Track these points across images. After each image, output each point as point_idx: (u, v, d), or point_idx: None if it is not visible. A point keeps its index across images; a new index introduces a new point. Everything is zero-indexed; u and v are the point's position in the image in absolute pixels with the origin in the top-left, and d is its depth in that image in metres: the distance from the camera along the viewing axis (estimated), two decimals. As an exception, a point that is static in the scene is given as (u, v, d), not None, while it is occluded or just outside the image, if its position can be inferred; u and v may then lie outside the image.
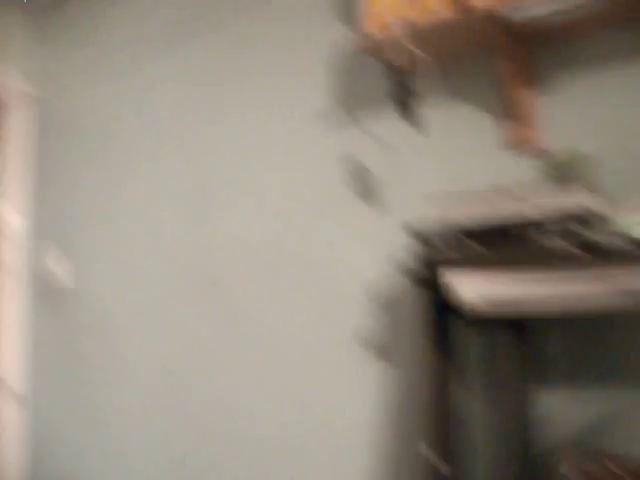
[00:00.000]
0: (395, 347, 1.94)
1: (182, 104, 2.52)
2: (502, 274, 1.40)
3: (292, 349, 2.15)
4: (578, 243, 1.40)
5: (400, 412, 1.90)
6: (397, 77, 1.89)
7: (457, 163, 1.89)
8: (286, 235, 2.21)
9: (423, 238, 1.58)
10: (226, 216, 2.35)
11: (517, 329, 1.74)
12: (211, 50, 2.45)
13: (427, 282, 1.57)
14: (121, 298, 2.62)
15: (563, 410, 1.69)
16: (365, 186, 2.05)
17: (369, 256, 2.03)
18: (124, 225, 2.64)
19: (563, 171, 1.61)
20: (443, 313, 1.61)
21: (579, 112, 1.75)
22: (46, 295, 2.90)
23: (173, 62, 2.55)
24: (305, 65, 2.21)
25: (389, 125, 2.02)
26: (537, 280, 1.37)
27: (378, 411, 1.94)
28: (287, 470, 2.11)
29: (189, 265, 2.42)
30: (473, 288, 1.42)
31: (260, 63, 2.32)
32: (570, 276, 1.33)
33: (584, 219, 1.44)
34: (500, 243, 1.49)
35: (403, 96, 1.87)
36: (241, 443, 2.21)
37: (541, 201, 1.49)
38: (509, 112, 1.83)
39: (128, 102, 2.69)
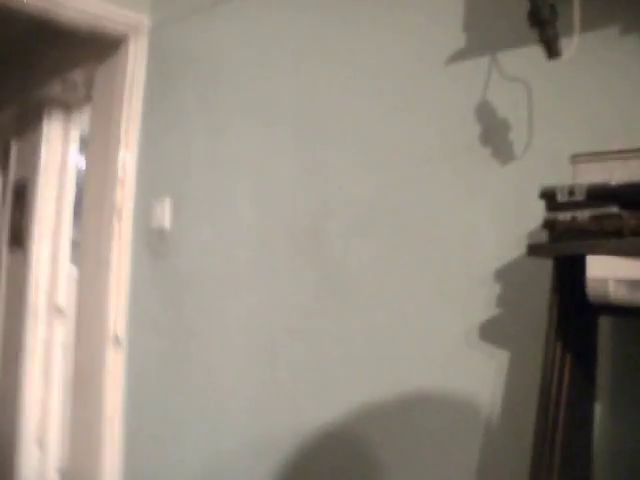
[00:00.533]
0: (521, 340, 1.81)
1: (300, 47, 2.47)
2: None
3: (397, 328, 2.08)
4: None
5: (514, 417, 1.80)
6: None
7: (614, 112, 1.68)
8: (399, 193, 2.12)
9: (562, 206, 1.44)
10: (335, 165, 2.30)
11: None
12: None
13: (560, 264, 1.47)
14: (219, 247, 2.66)
15: None
16: (498, 141, 1.90)
17: (495, 225, 1.90)
18: (229, 170, 2.66)
19: None
20: (583, 312, 1.49)
21: None
22: (150, 240, 2.99)
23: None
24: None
25: (529, 65, 1.83)
26: None
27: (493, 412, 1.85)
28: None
29: (291, 217, 2.41)
30: (614, 269, 1.30)
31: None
32: None
33: None
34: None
35: (548, 25, 1.60)
36: (335, 414, 2.21)
37: None
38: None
39: (245, 42, 2.67)
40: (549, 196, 1.49)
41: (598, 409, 1.63)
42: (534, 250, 1.49)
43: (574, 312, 1.51)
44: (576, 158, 1.51)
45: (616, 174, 1.42)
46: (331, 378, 2.24)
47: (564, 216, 1.46)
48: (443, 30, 2.05)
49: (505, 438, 1.82)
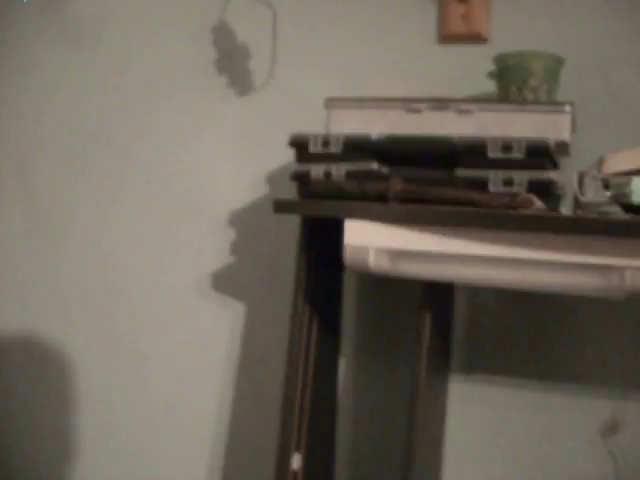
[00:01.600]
0: (258, 290, 1.67)
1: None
2: (420, 225, 1.12)
3: (119, 273, 1.81)
4: (542, 194, 1.14)
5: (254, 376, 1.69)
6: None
7: (382, 54, 1.55)
8: (122, 121, 1.80)
9: (311, 157, 1.27)
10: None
11: (438, 299, 1.36)
12: None
13: (310, 221, 1.31)
14: None
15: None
16: (239, 68, 1.67)
17: (231, 164, 1.69)
18: None
19: (527, 79, 1.26)
20: (328, 267, 1.37)
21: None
22: None
23: None
24: None
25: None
26: (473, 238, 1.10)
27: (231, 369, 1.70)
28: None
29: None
30: (375, 237, 1.15)
31: None
32: (524, 241, 1.07)
33: (551, 159, 1.18)
34: (423, 176, 1.21)
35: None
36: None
37: (494, 122, 1.21)
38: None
39: None
40: (300, 145, 1.30)
41: (342, 362, 1.57)
42: (281, 207, 1.29)
43: (321, 268, 1.38)
44: (331, 102, 1.34)
45: (375, 125, 1.29)
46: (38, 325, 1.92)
47: (317, 170, 1.29)
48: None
49: (244, 386, 1.70)
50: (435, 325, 1.26)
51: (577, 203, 1.13)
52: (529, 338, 1.46)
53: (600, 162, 1.13)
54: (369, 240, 1.17)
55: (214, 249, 1.71)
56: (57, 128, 1.87)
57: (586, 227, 1.05)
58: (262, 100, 1.66)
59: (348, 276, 1.51)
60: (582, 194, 1.12)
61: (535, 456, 1.47)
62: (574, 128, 1.28)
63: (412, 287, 1.33)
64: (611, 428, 1.41)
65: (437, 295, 1.29)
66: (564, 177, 1.23)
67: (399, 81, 1.49)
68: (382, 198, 1.17)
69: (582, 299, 1.34)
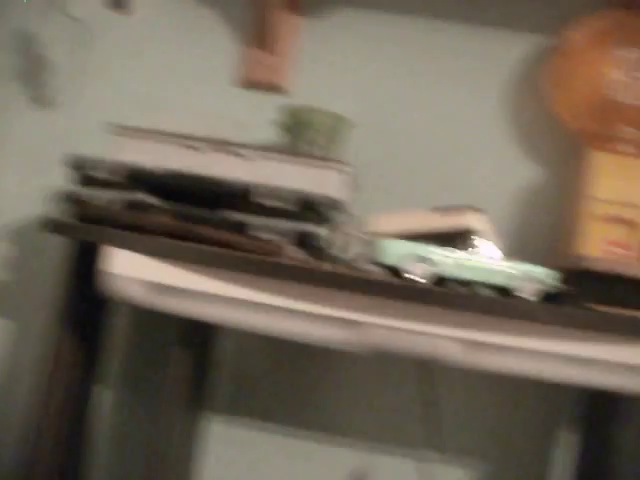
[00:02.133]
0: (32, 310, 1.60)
1: None
2: (183, 261, 1.12)
3: None
4: (310, 248, 1.18)
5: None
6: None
7: (181, 91, 1.57)
8: None
9: (93, 181, 1.25)
10: None
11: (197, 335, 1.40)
12: None
13: (78, 245, 1.28)
14: None
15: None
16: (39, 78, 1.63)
17: (16, 175, 1.64)
18: None
19: (309, 134, 1.32)
20: (87, 295, 1.29)
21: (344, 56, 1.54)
22: None
23: None
24: None
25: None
26: (232, 281, 1.12)
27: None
28: None
29: None
30: (139, 269, 1.14)
31: None
32: (278, 288, 1.09)
33: (318, 213, 1.21)
34: (195, 215, 1.21)
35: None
36: None
37: (269, 170, 1.24)
38: (257, 35, 1.52)
39: None
40: (79, 167, 1.28)
41: (109, 394, 1.54)
42: (53, 227, 1.25)
43: (86, 294, 1.32)
44: (118, 130, 1.33)
45: (158, 158, 1.28)
46: None
47: (93, 195, 1.26)
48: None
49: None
50: (191, 363, 1.26)
51: (335, 258, 1.18)
52: (291, 385, 1.50)
53: (359, 222, 1.19)
54: (132, 271, 1.16)
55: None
56: None
57: (337, 281, 1.09)
58: (57, 117, 1.62)
59: (118, 307, 1.48)
60: (342, 251, 1.18)
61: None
62: (355, 188, 1.35)
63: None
64: (359, 478, 1.47)
65: (197, 333, 1.29)
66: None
67: (194, 120, 1.50)
68: (150, 230, 1.17)
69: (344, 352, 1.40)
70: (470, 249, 1.14)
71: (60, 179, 1.52)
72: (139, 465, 1.50)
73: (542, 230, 1.46)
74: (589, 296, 1.18)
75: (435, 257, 1.12)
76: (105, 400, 1.53)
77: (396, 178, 1.49)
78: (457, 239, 1.16)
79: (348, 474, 1.47)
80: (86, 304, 1.35)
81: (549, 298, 1.17)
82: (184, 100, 1.56)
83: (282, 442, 1.49)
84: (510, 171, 1.49)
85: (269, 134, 1.44)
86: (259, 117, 1.48)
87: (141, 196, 1.24)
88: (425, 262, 1.11)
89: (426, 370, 1.44)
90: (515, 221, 1.48)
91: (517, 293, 1.12)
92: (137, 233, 1.17)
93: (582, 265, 1.18)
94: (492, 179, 1.49)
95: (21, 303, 1.61)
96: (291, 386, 1.50)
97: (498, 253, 1.16)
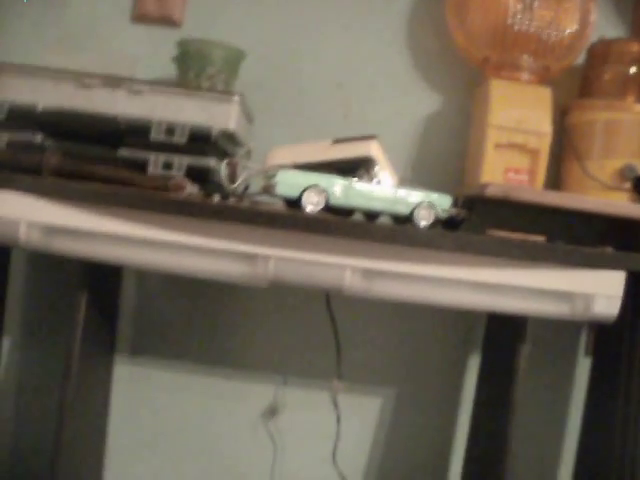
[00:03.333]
0: None
1: None
2: (75, 201, 1.08)
3: None
4: (206, 183, 1.17)
5: None
6: None
7: (74, 26, 1.49)
8: None
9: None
10: None
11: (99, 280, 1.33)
12: None
13: None
14: None
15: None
16: None
17: None
18: None
19: (203, 67, 1.28)
20: None
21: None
22: None
23: None
24: None
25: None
26: (127, 219, 1.08)
27: None
28: None
29: None
30: (28, 211, 1.09)
31: None
32: (176, 225, 1.07)
33: (214, 146, 1.20)
34: (87, 153, 1.18)
35: None
36: None
37: (163, 105, 1.19)
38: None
39: None
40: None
41: (6, 343, 1.48)
42: None
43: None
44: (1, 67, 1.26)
45: (46, 96, 1.22)
46: None
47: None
48: None
49: None
50: (94, 306, 1.24)
51: (227, 191, 1.16)
52: (198, 324, 1.49)
53: (248, 153, 1.17)
54: (20, 213, 1.11)
55: None
56: None
57: (233, 215, 1.07)
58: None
59: (18, 253, 1.43)
60: (231, 182, 1.16)
61: (201, 437, 1.50)
62: (250, 119, 1.32)
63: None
64: (271, 412, 1.48)
65: (98, 276, 1.26)
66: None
67: (82, 55, 1.44)
68: (37, 171, 1.12)
69: (252, 289, 1.40)
70: (368, 178, 1.13)
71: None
72: (50, 414, 1.47)
73: (445, 159, 1.47)
74: (487, 222, 1.19)
75: (331, 186, 1.10)
76: (8, 350, 1.49)
77: (296, 110, 1.47)
78: (356, 169, 1.15)
79: (261, 409, 1.48)
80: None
81: (447, 225, 1.18)
82: (76, 35, 1.48)
83: (193, 381, 1.49)
84: (412, 101, 1.49)
85: (165, 70, 1.39)
86: (154, 52, 1.43)
87: (29, 135, 1.19)
88: (321, 192, 1.10)
89: (330, 300, 1.45)
90: (418, 151, 1.48)
91: (415, 221, 1.12)
92: (25, 174, 1.12)
93: (479, 192, 1.19)
94: (394, 109, 1.48)
95: None
96: (199, 325, 1.49)
97: (396, 182, 1.16)
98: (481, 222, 1.20)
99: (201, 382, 1.49)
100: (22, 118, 1.20)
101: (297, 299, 1.47)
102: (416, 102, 1.49)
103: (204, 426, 1.50)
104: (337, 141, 1.19)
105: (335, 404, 1.47)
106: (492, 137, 1.31)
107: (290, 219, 1.07)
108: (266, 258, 1.09)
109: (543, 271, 1.12)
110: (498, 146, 1.31)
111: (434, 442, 1.51)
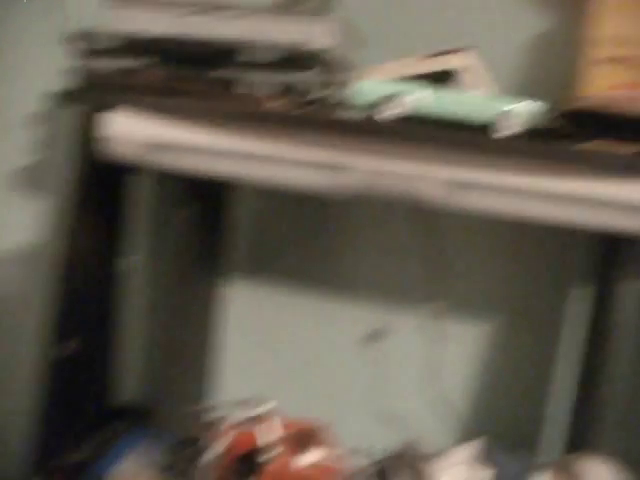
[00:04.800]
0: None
1: None
2: (179, 114, 1.16)
3: None
4: (297, 97, 1.20)
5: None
6: None
7: None
8: None
9: (98, 52, 1.28)
10: None
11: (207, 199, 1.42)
12: None
13: (78, 115, 1.29)
14: None
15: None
16: None
17: (45, 58, 1.65)
18: None
19: None
20: (97, 164, 1.29)
21: None
22: None
23: None
24: None
25: None
26: (230, 133, 1.14)
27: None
28: None
29: None
30: (135, 128, 1.17)
31: None
32: (279, 138, 1.11)
33: (312, 63, 1.22)
34: (188, 71, 1.25)
35: None
36: None
37: (258, 27, 1.24)
38: None
39: None
40: (84, 39, 1.31)
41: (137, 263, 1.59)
42: (64, 98, 1.31)
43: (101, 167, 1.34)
44: (113, 2, 1.36)
45: (150, 24, 1.30)
46: None
47: (98, 63, 1.30)
48: None
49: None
50: (206, 226, 1.31)
51: (321, 105, 1.20)
52: (307, 245, 1.53)
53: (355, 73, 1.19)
54: (129, 131, 1.20)
55: (20, 147, 1.70)
56: None
57: (315, 124, 1.10)
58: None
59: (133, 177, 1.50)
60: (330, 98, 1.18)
61: (304, 358, 1.56)
62: (354, 40, 1.34)
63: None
64: (376, 335, 1.50)
65: (203, 193, 1.33)
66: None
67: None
68: (146, 90, 1.21)
69: (364, 211, 1.43)
70: (458, 88, 1.11)
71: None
72: (162, 331, 1.57)
73: (548, 76, 1.41)
74: (587, 135, 1.14)
75: (415, 95, 1.10)
76: (133, 269, 1.59)
77: (396, 29, 1.45)
78: (447, 80, 1.13)
79: (366, 332, 1.51)
80: (100, 174, 1.41)
81: (540, 136, 1.14)
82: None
83: (299, 302, 1.54)
84: (518, 13, 1.43)
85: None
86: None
87: (136, 61, 1.28)
88: (405, 101, 1.10)
89: (434, 224, 1.44)
90: (519, 67, 1.42)
91: (502, 130, 1.10)
92: (133, 95, 1.21)
93: (581, 104, 1.14)
94: (494, 24, 1.43)
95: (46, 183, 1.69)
96: (306, 248, 1.53)
97: (489, 92, 1.14)
98: (581, 135, 1.15)
99: (306, 303, 1.54)
100: (131, 46, 1.28)
101: (408, 223, 1.48)
102: (523, 15, 1.43)
103: (309, 345, 1.55)
104: (429, 55, 1.18)
105: (439, 328, 1.47)
106: (597, 51, 1.24)
107: (372, 128, 1.08)
108: (349, 169, 1.11)
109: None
110: (603, 60, 1.24)
111: (538, 369, 1.47)
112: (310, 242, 1.53)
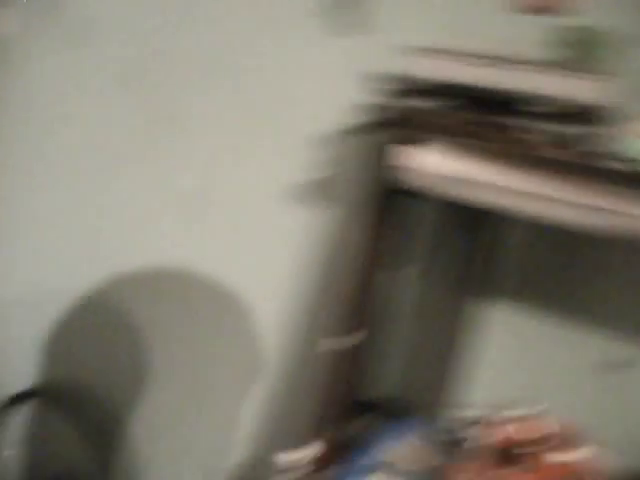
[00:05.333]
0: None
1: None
2: (471, 153, 1.39)
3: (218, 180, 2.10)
4: (573, 145, 1.36)
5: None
6: None
7: (450, 17, 1.77)
8: (239, 50, 2.03)
9: (387, 92, 1.51)
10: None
11: (476, 225, 1.69)
12: None
13: (378, 145, 1.53)
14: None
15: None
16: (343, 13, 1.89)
17: (323, 97, 1.92)
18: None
19: (582, 51, 1.49)
20: (389, 188, 1.53)
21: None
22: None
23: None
24: None
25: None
26: (513, 171, 1.35)
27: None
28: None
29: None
30: (434, 161, 1.42)
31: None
32: (558, 181, 1.31)
33: (589, 117, 1.38)
34: (476, 116, 1.45)
35: None
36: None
37: (543, 78, 1.42)
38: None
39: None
40: (392, 81, 1.56)
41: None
42: (361, 129, 1.58)
43: (386, 192, 1.59)
44: (417, 50, 1.58)
45: (446, 72, 1.51)
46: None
47: (401, 103, 1.54)
48: None
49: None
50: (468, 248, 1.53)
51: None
52: (560, 274, 1.68)
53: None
54: (433, 166, 1.45)
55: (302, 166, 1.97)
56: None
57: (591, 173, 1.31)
58: (357, 42, 1.89)
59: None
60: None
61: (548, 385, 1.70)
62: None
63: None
64: (622, 364, 1.61)
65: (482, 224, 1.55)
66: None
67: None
68: (446, 132, 1.45)
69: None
70: None
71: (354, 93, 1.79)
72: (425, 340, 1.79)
73: None
74: None
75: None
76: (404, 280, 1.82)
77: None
78: None
79: (611, 361, 1.62)
80: (389, 196, 1.63)
81: None
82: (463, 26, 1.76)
83: (552, 330, 1.68)
84: None
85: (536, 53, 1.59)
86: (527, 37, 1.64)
87: (437, 104, 1.51)
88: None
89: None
90: None
91: None
92: (432, 132, 1.45)
93: None
94: None
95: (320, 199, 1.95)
96: (561, 275, 1.68)
97: None
98: None
99: (553, 331, 1.68)
100: (431, 90, 1.52)
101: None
102: None
103: (551, 373, 1.69)
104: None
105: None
106: None
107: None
108: (622, 214, 1.28)
109: None
110: None
111: None
112: (564, 272, 1.68)
